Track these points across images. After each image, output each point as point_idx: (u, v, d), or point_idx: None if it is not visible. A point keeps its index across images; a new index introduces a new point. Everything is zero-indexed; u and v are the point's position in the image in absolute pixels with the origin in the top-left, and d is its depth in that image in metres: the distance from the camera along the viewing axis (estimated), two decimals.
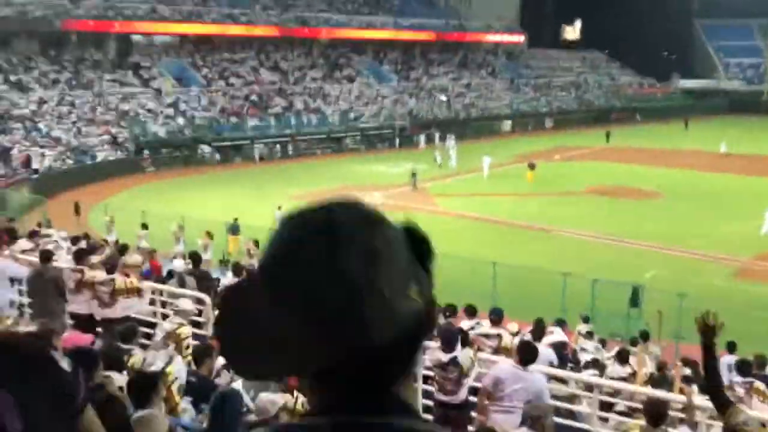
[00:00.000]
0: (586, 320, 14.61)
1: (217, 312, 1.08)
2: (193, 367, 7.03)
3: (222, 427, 4.48)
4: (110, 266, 9.78)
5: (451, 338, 6.98)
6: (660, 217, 29.99)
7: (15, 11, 46.95)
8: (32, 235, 14.89)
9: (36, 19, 47.73)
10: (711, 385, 4.58)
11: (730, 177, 38.96)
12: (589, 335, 13.59)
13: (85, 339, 7.64)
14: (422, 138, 53.50)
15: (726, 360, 11.87)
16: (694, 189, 35.82)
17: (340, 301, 0.91)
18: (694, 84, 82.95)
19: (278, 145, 49.23)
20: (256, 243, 21.16)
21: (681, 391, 7.23)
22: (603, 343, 13.77)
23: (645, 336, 13.97)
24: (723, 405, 4.38)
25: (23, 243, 13.12)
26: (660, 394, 7.59)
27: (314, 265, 0.93)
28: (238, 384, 6.09)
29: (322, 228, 0.95)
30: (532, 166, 38.39)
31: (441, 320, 9.78)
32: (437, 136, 52.29)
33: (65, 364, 1.88)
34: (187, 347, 7.71)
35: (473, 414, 7.08)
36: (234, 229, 23.73)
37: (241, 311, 0.99)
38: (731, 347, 12.43)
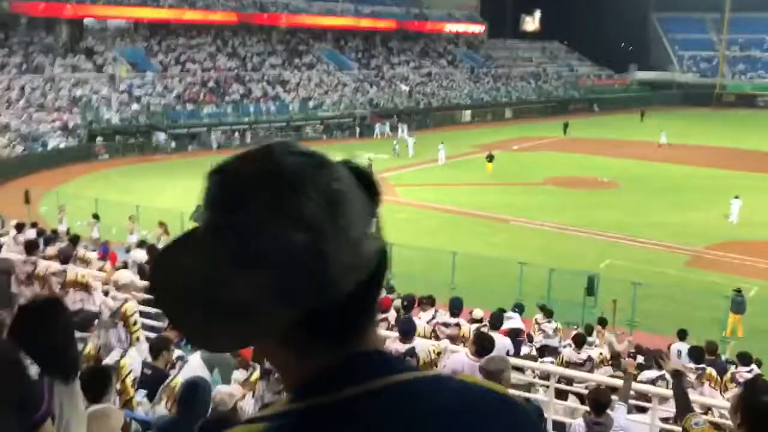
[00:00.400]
0: (542, 308, 14.79)
1: (151, 280, 0.92)
2: (148, 356, 6.90)
3: (192, 416, 4.39)
4: (63, 257, 9.52)
5: (409, 329, 6.96)
6: (616, 206, 30.50)
7: None
8: None
9: None
10: (678, 400, 4.89)
11: (683, 168, 39.79)
12: (549, 314, 13.74)
13: None
14: (377, 128, 53.40)
15: (677, 346, 12.14)
16: (649, 180, 36.48)
17: (305, 249, 0.82)
18: (650, 76, 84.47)
19: (236, 133, 48.64)
20: None
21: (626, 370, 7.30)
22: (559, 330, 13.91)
23: (603, 323, 14.23)
24: (684, 412, 4.63)
25: None
26: (612, 381, 7.69)
27: (269, 211, 0.83)
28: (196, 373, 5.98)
29: (270, 170, 0.86)
30: (490, 158, 38.14)
31: (400, 311, 9.77)
32: (389, 126, 52.48)
33: (33, 370, 1.76)
34: (135, 323, 7.55)
35: None
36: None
37: (179, 276, 0.87)
38: (682, 334, 12.71)
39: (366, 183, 0.96)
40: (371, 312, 0.93)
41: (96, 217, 21.37)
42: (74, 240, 13.60)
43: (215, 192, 0.89)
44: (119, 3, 52.93)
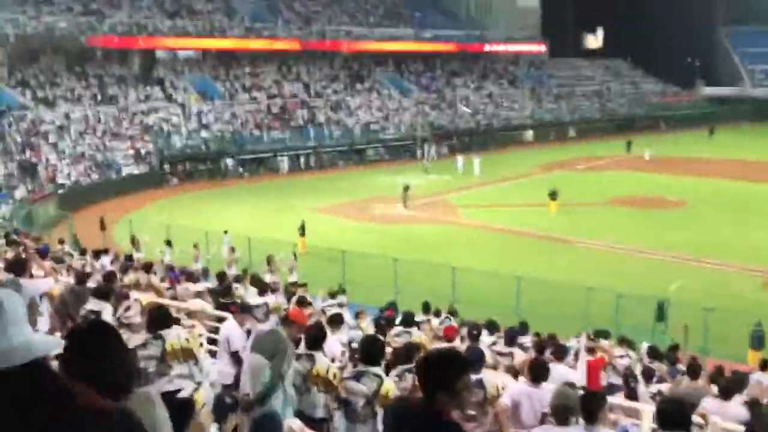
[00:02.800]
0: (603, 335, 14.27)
1: None
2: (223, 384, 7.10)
3: None
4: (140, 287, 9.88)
5: (477, 360, 6.94)
6: (685, 226, 29.67)
7: (42, 28, 47.86)
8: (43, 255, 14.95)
9: (62, 36, 48.59)
10: None
11: (756, 186, 38.44)
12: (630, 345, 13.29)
13: None
14: (420, 150, 53.73)
15: (756, 377, 11.64)
16: (721, 198, 35.39)
17: None
18: (719, 91, 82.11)
19: (301, 158, 49.53)
20: (295, 256, 21.54)
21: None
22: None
23: (675, 348, 13.76)
24: None
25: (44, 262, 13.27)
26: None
27: None
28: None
29: None
30: (553, 195, 33.16)
31: (465, 339, 9.75)
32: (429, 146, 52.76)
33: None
34: (201, 345, 7.67)
35: None
36: (302, 231, 26.19)
37: None
38: (765, 364, 12.22)
39: None
40: None
41: (168, 243, 22.06)
42: (147, 267, 14.08)
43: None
44: (188, 35, 54.88)
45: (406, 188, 35.32)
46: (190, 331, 7.69)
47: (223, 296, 12.52)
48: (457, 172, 45.37)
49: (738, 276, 23.26)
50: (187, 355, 6.82)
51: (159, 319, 6.68)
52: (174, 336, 6.48)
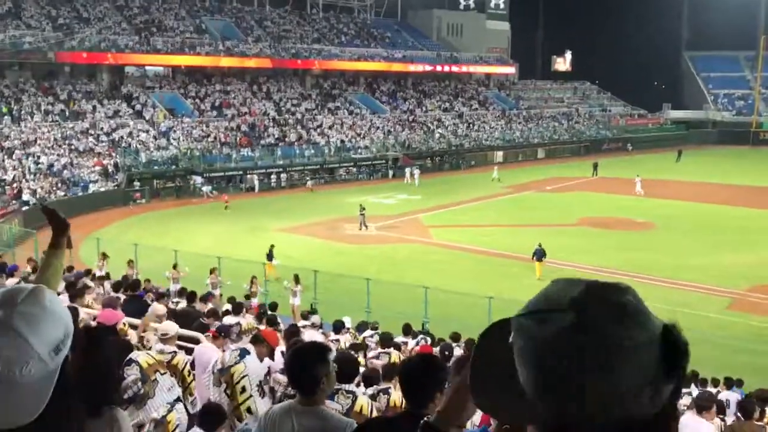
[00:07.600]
0: None
1: (477, 344, 1.19)
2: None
3: None
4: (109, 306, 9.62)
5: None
6: (652, 248, 30.04)
7: (8, 42, 47.17)
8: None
9: (29, 51, 47.93)
10: None
11: (721, 208, 39.16)
12: None
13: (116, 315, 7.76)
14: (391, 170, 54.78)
15: (725, 395, 11.74)
16: (686, 220, 35.94)
17: (573, 379, 0.99)
18: (684, 114, 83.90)
19: (271, 176, 49.26)
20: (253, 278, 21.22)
21: None
22: None
23: None
24: None
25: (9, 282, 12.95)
26: None
27: (557, 340, 1.00)
28: None
29: (569, 311, 1.03)
30: (539, 256, 26.38)
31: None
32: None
33: None
34: (189, 374, 7.11)
35: None
36: (269, 256, 25.06)
37: (491, 352, 1.13)
38: (729, 383, 12.34)
39: (671, 352, 1.03)
40: None
41: (130, 262, 21.54)
42: (116, 287, 13.80)
43: (541, 301, 1.10)
44: (158, 51, 54.49)
45: (362, 208, 34.85)
46: (172, 356, 7.32)
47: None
48: (407, 185, 49.28)
49: (704, 297, 23.56)
50: (162, 366, 6.68)
51: (124, 347, 6.82)
52: (143, 356, 6.55)
